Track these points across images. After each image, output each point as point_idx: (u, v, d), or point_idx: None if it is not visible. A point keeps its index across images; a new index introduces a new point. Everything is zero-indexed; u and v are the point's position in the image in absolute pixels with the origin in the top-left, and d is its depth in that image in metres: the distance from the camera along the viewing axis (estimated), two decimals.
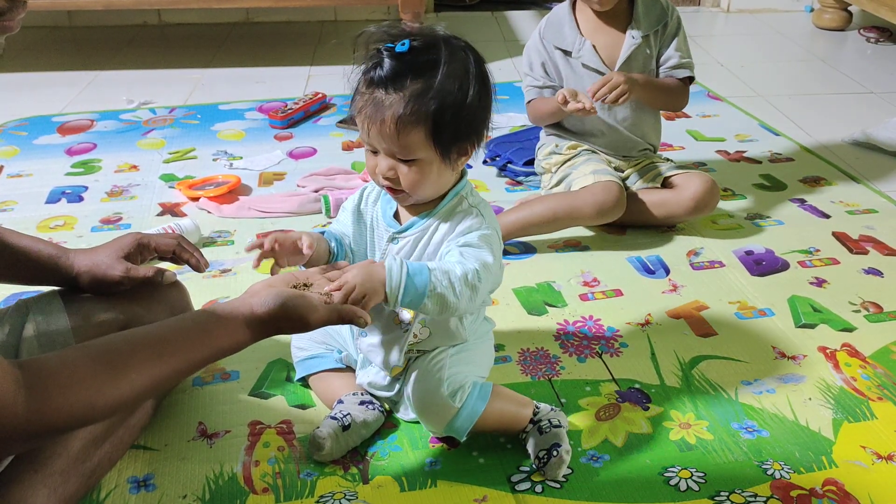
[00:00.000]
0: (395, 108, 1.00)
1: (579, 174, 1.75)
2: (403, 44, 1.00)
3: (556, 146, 1.85)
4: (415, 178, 1.05)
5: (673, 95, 1.78)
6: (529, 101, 1.84)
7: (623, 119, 1.80)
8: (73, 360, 0.82)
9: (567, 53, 1.77)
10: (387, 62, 1.01)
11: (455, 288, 1.03)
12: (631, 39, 1.74)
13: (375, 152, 1.06)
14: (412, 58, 1.00)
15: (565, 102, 1.63)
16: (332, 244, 1.16)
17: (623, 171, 1.83)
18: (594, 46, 1.75)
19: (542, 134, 1.92)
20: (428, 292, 1.02)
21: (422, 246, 1.12)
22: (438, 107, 1.00)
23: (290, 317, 0.95)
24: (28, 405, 0.76)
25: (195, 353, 0.90)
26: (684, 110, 2.49)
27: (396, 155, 1.04)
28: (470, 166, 2.17)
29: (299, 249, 1.08)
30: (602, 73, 1.74)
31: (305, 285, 1.01)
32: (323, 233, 1.16)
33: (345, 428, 1.17)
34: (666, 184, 1.79)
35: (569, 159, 1.81)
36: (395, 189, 1.08)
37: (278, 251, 1.07)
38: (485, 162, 2.19)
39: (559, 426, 1.16)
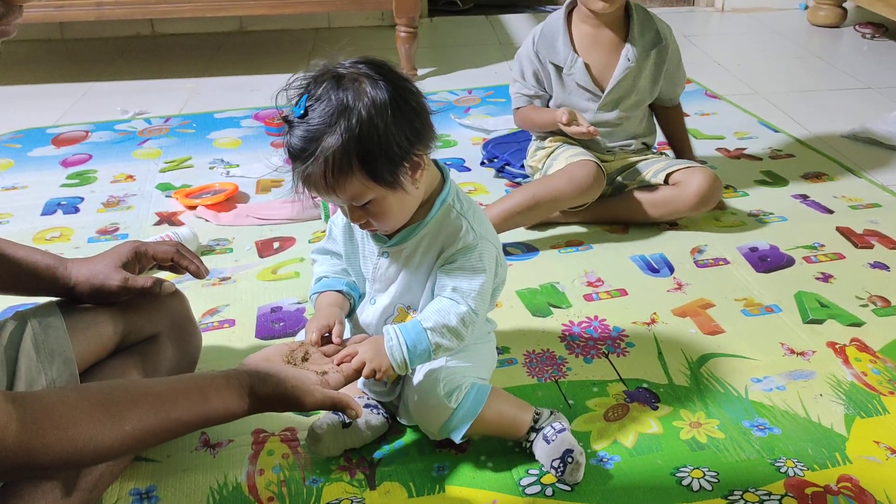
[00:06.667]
0: (319, 171, 0.99)
1: (558, 161, 1.77)
2: (300, 105, 0.99)
3: (540, 144, 1.87)
4: (379, 216, 1.05)
5: (684, 131, 1.96)
6: (518, 108, 1.86)
7: (610, 122, 1.79)
8: (72, 401, 0.81)
9: (559, 69, 1.77)
10: (292, 133, 1.00)
11: (456, 333, 1.07)
12: (626, 62, 1.74)
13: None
14: (312, 116, 0.99)
15: (568, 123, 1.68)
16: (345, 289, 1.17)
17: (608, 163, 1.82)
18: (587, 65, 1.75)
19: (533, 136, 1.92)
20: (432, 352, 1.07)
21: (414, 263, 1.11)
22: (357, 150, 0.98)
23: (286, 400, 0.96)
24: (18, 438, 0.74)
25: (188, 416, 0.89)
26: (683, 109, 2.52)
27: (352, 203, 1.04)
28: (468, 169, 2.17)
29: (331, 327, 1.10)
30: (592, 93, 1.77)
31: (304, 359, 1.03)
32: (325, 276, 1.19)
33: (344, 425, 1.15)
34: (668, 181, 1.77)
35: (552, 152, 1.82)
36: (373, 228, 1.09)
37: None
38: (483, 163, 2.18)
39: (563, 430, 1.14)
